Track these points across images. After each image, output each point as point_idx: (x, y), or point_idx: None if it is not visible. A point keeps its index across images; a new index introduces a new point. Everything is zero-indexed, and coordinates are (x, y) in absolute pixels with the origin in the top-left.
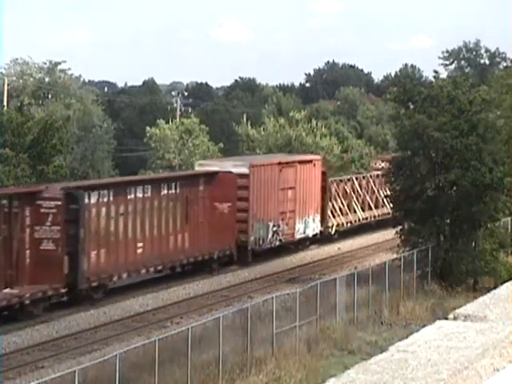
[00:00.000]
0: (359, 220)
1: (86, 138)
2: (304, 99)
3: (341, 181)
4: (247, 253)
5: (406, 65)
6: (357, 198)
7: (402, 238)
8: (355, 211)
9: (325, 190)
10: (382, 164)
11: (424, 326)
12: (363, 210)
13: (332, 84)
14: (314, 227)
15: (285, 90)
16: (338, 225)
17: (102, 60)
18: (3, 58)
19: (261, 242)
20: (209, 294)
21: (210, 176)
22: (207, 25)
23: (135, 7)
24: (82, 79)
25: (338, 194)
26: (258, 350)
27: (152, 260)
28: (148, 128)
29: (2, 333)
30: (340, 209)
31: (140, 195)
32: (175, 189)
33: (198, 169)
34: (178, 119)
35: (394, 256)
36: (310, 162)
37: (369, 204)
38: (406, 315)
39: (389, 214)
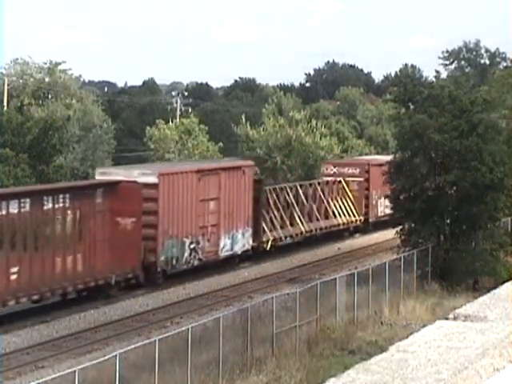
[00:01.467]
0: (302, 233)
1: (86, 138)
2: (304, 99)
3: (281, 189)
4: (156, 275)
5: (405, 65)
6: (301, 209)
7: (402, 237)
8: (298, 223)
9: (258, 200)
10: (335, 169)
11: (424, 326)
12: (310, 221)
13: (332, 84)
14: (244, 243)
15: (285, 89)
16: (274, 239)
17: (102, 60)
18: (3, 58)
19: (174, 262)
20: (209, 294)
21: (111, 186)
22: (207, 25)
23: (135, 7)
24: (82, 79)
25: (277, 205)
26: (257, 349)
27: (30, 287)
28: (148, 128)
29: (1, 333)
30: (280, 221)
31: (14, 211)
32: (63, 202)
33: (98, 177)
34: (178, 119)
35: (394, 256)
36: (237, 168)
37: (316, 215)
38: (406, 315)
39: (341, 224)
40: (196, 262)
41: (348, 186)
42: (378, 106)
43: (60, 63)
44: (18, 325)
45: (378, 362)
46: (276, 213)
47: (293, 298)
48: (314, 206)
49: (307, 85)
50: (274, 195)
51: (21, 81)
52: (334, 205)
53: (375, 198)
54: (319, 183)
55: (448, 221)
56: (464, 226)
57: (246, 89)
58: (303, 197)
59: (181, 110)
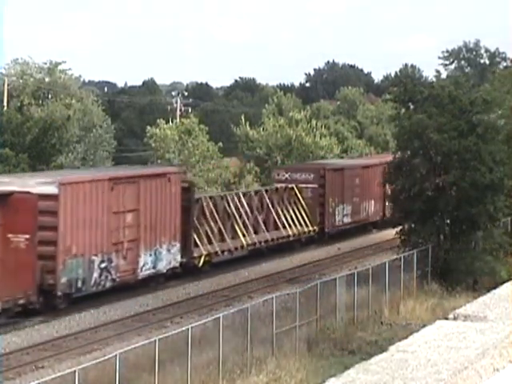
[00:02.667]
0: (243, 247)
1: (86, 137)
2: (304, 99)
3: (221, 198)
4: (56, 299)
5: (406, 65)
6: (243, 220)
7: (402, 238)
8: (240, 236)
9: (188, 210)
10: (287, 175)
11: (424, 326)
12: (255, 233)
13: (332, 84)
14: (170, 259)
15: (285, 89)
16: (208, 254)
17: (102, 60)
18: (3, 58)
19: (80, 284)
20: (209, 294)
21: (1, 198)
22: (207, 25)
23: (135, 7)
24: (82, 79)
25: (214, 216)
26: (257, 349)
27: None
28: (148, 128)
29: (1, 333)
30: (218, 234)
31: None
32: None
33: None
34: (178, 119)
35: (394, 256)
36: (161, 175)
37: (262, 226)
38: (406, 315)
39: (291, 236)
40: (108, 284)
41: (301, 194)
42: (378, 106)
43: (60, 63)
44: (18, 325)
45: (377, 362)
46: (213, 225)
47: (293, 298)
48: (260, 217)
49: (307, 85)
50: (212, 205)
51: (21, 81)
52: (284, 214)
53: (332, 205)
54: (267, 191)
55: (448, 221)
56: (464, 226)
57: (246, 89)
58: (247, 206)
59: (181, 110)
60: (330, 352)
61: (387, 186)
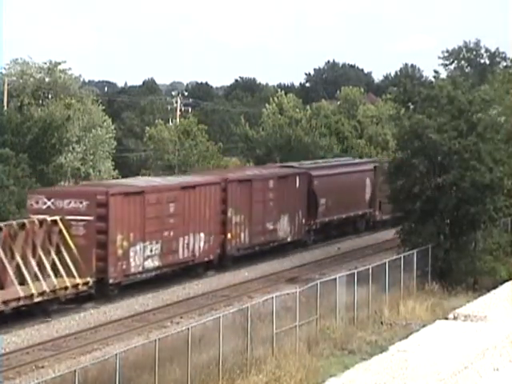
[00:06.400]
0: None
1: (86, 137)
2: (304, 99)
3: None
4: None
5: (406, 65)
6: None
7: (402, 238)
8: None
9: None
10: (49, 202)
11: (424, 326)
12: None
13: (332, 84)
14: None
15: (285, 89)
16: None
17: (102, 60)
18: (3, 58)
19: None
20: (209, 294)
21: None
22: (207, 25)
23: (135, 7)
24: (82, 79)
25: None
26: (257, 349)
27: None
28: (147, 128)
29: (1, 333)
30: None
31: None
32: None
33: None
34: (177, 119)
35: (394, 256)
36: None
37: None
38: (406, 315)
39: (44, 294)
40: None
41: (68, 230)
42: (378, 106)
43: (60, 63)
44: (18, 325)
45: (377, 362)
46: None
47: (293, 298)
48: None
49: (307, 85)
50: None
51: (21, 81)
52: (29, 263)
53: (124, 245)
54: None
55: (448, 221)
56: (464, 226)
57: (246, 89)
58: None
59: (181, 109)
60: (330, 352)
61: (229, 212)
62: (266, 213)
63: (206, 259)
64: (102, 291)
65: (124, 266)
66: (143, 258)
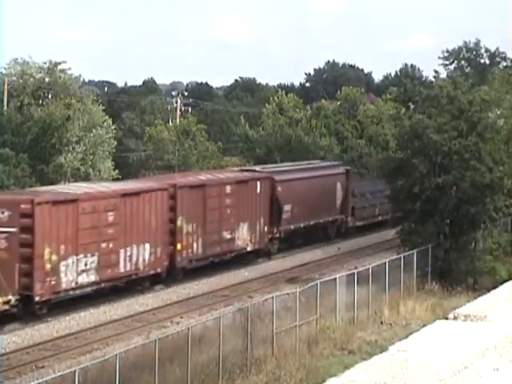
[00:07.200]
0: None
1: (86, 137)
2: (304, 99)
3: None
4: None
5: (405, 65)
6: None
7: (402, 238)
8: None
9: None
10: None
11: (424, 326)
12: None
13: (332, 84)
14: None
15: (285, 89)
16: None
17: (102, 60)
18: (3, 58)
19: None
20: (209, 294)
21: None
22: (207, 25)
23: (135, 7)
24: (82, 79)
25: None
26: (257, 349)
27: None
28: (147, 128)
29: (1, 333)
30: None
31: None
32: None
33: None
34: (177, 119)
35: (394, 256)
36: None
37: None
38: (406, 315)
39: None
40: None
41: None
42: (378, 105)
43: (60, 63)
44: (18, 325)
45: (377, 362)
46: None
47: (293, 297)
48: None
49: (307, 85)
50: None
51: (21, 81)
52: None
53: (53, 258)
54: None
55: (448, 221)
56: (464, 226)
57: (246, 89)
58: None
59: (181, 110)
60: (330, 352)
61: (178, 221)
62: (222, 221)
63: (153, 272)
64: (28, 310)
65: (53, 282)
66: (77, 272)
